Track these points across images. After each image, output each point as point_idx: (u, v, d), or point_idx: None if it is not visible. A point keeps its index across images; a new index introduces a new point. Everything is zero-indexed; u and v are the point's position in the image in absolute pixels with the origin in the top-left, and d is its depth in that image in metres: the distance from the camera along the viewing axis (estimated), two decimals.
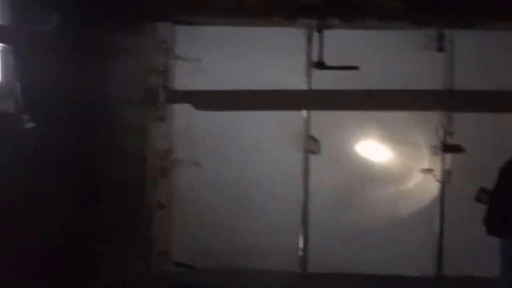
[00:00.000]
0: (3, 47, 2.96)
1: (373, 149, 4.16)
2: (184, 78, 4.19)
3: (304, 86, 4.16)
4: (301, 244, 4.19)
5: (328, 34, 4.09)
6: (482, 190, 3.14)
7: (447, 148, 4.10)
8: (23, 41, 3.00)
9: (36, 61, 3.11)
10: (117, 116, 3.97)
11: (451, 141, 4.10)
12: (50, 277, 3.05)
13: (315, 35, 4.10)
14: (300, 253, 4.19)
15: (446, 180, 4.11)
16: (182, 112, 4.20)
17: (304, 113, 4.18)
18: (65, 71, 3.48)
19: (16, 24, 2.96)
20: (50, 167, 3.11)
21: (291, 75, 4.15)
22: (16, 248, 2.74)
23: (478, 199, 3.14)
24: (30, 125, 2.91)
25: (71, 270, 3.27)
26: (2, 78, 3.00)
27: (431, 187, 4.12)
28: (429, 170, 4.11)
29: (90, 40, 3.77)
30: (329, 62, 4.10)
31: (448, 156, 4.11)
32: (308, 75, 4.15)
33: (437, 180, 4.11)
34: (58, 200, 3.20)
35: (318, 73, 4.12)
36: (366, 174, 4.17)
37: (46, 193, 3.03)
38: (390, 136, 4.14)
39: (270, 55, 4.15)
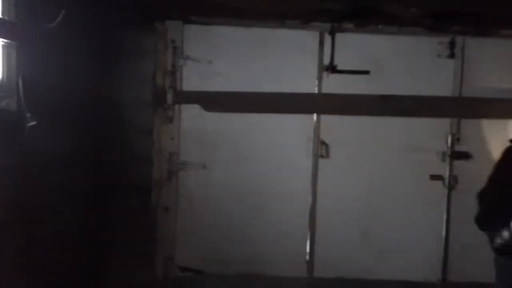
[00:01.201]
0: (6, 43, 2.86)
1: (383, 153, 4.15)
2: (194, 79, 4.11)
3: (315, 90, 4.13)
4: (308, 249, 4.15)
5: (341, 37, 4.07)
6: None
7: (455, 154, 4.12)
8: (27, 37, 2.90)
9: (40, 59, 3.01)
10: (124, 116, 3.90)
11: (459, 147, 4.13)
12: (55, 278, 2.97)
13: (328, 38, 4.08)
14: (307, 258, 4.15)
15: (453, 186, 4.13)
16: (190, 113, 4.12)
17: (314, 117, 4.14)
18: (71, 69, 3.39)
19: (19, 19, 2.87)
20: (54, 167, 3.02)
21: (302, 79, 4.11)
22: (20, 248, 2.66)
23: None
24: (32, 123, 2.82)
25: (76, 272, 3.19)
26: (3, 75, 2.90)
27: (439, 193, 4.14)
28: (437, 176, 4.13)
29: (96, 38, 3.69)
30: (340, 66, 4.10)
31: (456, 162, 4.14)
32: (320, 78, 4.11)
33: (445, 186, 4.13)
34: (62, 201, 3.11)
35: (330, 77, 4.10)
36: (375, 179, 4.16)
37: (48, 193, 2.95)
38: (400, 141, 4.14)
39: (282, 58, 4.10)
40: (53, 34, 3.03)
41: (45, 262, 2.83)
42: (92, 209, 3.32)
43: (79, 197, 3.20)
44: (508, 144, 2.94)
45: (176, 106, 4.12)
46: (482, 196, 2.93)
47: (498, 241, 2.78)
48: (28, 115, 2.80)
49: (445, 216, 4.15)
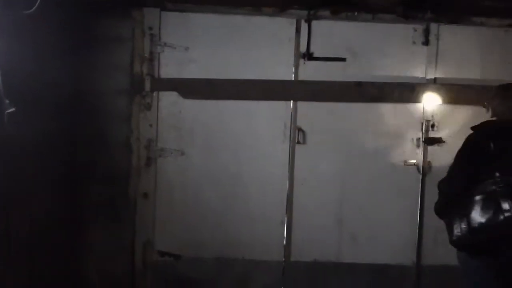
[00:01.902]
0: None
1: (358, 140, 4.21)
2: (171, 66, 4.13)
3: (292, 77, 4.16)
4: (285, 233, 4.22)
5: (317, 25, 4.11)
6: None
7: (429, 140, 4.20)
8: (3, 25, 2.90)
9: (17, 46, 3.01)
10: (101, 103, 3.90)
11: (433, 133, 4.21)
12: (33, 268, 3.00)
13: (304, 25, 4.11)
14: (284, 242, 4.23)
15: (427, 171, 4.21)
16: (168, 100, 4.15)
17: (291, 103, 4.19)
18: (47, 56, 3.38)
19: None
20: (30, 154, 3.03)
21: (279, 66, 4.14)
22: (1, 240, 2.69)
23: None
24: (11, 109, 2.83)
25: (54, 261, 3.22)
26: None
27: (413, 179, 4.22)
28: (411, 162, 4.20)
29: (73, 25, 3.67)
30: (317, 53, 4.13)
31: (429, 148, 4.21)
32: (296, 65, 4.15)
33: (419, 172, 4.21)
34: (40, 189, 3.13)
35: (306, 64, 4.14)
36: (350, 165, 4.23)
37: (26, 182, 2.97)
38: (375, 128, 4.20)
39: (259, 45, 4.13)
40: (29, 21, 3.02)
41: (21, 250, 2.86)
42: (69, 196, 3.34)
43: (56, 185, 3.21)
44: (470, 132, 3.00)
45: (154, 94, 4.15)
46: (441, 185, 2.97)
47: (456, 233, 2.82)
48: (7, 101, 2.81)
49: (419, 201, 4.23)
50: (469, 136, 2.99)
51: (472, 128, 3.01)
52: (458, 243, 2.86)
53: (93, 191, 3.62)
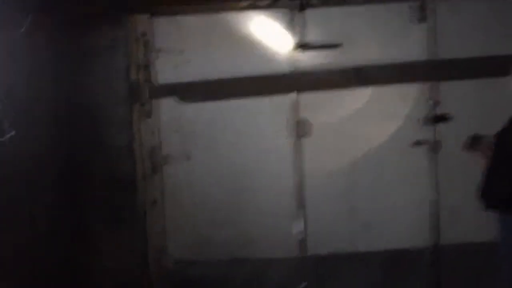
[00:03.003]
0: None
1: (363, 126, 4.14)
2: (168, 71, 4.10)
3: (290, 69, 4.11)
4: (297, 228, 4.16)
5: (311, 13, 4.05)
6: (475, 137, 3.13)
7: (435, 118, 4.10)
8: None
9: (12, 65, 3.02)
10: (101, 114, 3.89)
11: (438, 111, 4.11)
12: (43, 277, 2.98)
13: (298, 16, 4.06)
14: (298, 237, 4.16)
15: (437, 150, 4.12)
16: (168, 106, 4.12)
17: (291, 96, 4.13)
18: (44, 72, 3.39)
19: None
20: (38, 171, 3.03)
21: (276, 59, 4.09)
22: (6, 248, 2.68)
23: (470, 146, 3.11)
24: (11, 133, 2.82)
25: (64, 271, 3.21)
26: None
27: (423, 159, 4.12)
28: (420, 142, 4.11)
29: (64, 37, 3.68)
30: (313, 41, 4.07)
31: (437, 126, 4.12)
32: (293, 57, 4.09)
33: (429, 151, 4.11)
34: (49, 204, 3.12)
35: (303, 54, 4.08)
36: (358, 152, 4.15)
37: (34, 195, 2.96)
38: (379, 111, 4.12)
39: (253, 40, 4.08)
40: (21, 39, 3.03)
41: (31, 261, 2.84)
42: (73, 210, 3.33)
43: (66, 198, 3.22)
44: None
45: (154, 100, 4.12)
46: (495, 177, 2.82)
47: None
48: (6, 124, 2.81)
49: (433, 181, 4.13)
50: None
51: None
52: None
53: (100, 202, 3.61)
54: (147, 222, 4.13)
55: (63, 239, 3.15)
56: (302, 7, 4.05)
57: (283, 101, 4.13)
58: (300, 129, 4.13)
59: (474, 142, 3.13)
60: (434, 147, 4.11)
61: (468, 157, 3.78)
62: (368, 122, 4.12)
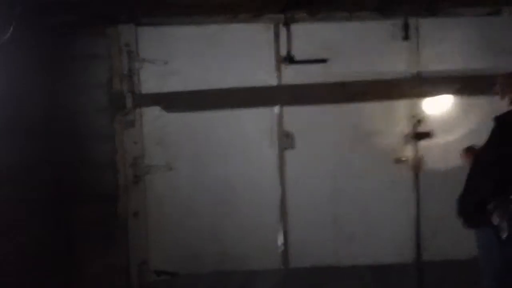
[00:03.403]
0: None
1: (347, 140, 4.16)
2: (152, 81, 4.08)
3: (275, 82, 4.12)
4: (281, 240, 4.15)
5: (296, 28, 4.07)
6: (468, 149, 3.18)
7: (418, 135, 4.15)
8: None
9: None
10: (83, 124, 3.86)
11: (421, 128, 4.15)
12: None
13: (282, 29, 4.07)
14: (281, 249, 4.15)
15: (419, 166, 4.16)
16: (151, 116, 4.09)
17: (276, 109, 4.14)
18: (26, 81, 3.34)
19: None
20: (16, 180, 2.98)
21: (260, 72, 4.10)
22: None
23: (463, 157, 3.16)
24: None
25: (46, 285, 3.15)
26: None
27: (405, 175, 4.16)
28: (402, 159, 4.15)
29: (47, 47, 3.64)
30: (297, 56, 4.09)
31: (419, 143, 4.16)
32: (278, 70, 4.10)
33: (411, 168, 4.15)
34: (28, 214, 3.07)
35: (288, 68, 4.09)
36: (341, 166, 4.17)
37: (13, 208, 2.90)
38: (363, 127, 4.15)
39: (238, 53, 4.09)
40: (3, 48, 2.98)
41: (12, 275, 2.79)
42: (53, 220, 3.28)
43: (39, 210, 3.16)
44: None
45: (137, 110, 4.09)
46: (471, 184, 2.84)
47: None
48: None
49: (414, 197, 4.17)
50: (498, 123, 2.86)
51: (497, 118, 2.89)
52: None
53: (81, 213, 3.55)
54: (128, 234, 4.09)
55: (44, 252, 3.10)
56: (287, 22, 4.07)
57: (267, 114, 4.14)
58: (284, 141, 4.14)
59: (467, 153, 3.20)
60: (416, 163, 4.15)
61: (450, 174, 3.89)
62: (351, 137, 4.15)
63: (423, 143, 4.13)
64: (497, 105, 3.03)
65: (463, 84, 4.05)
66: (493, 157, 2.79)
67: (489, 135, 2.90)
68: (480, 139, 3.01)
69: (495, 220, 2.67)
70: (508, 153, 2.72)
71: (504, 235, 2.64)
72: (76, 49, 3.67)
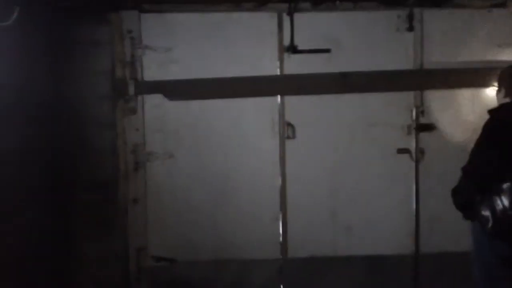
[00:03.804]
0: None
1: (348, 131, 4.15)
2: (154, 68, 4.07)
3: (277, 72, 4.10)
4: (280, 230, 4.16)
5: (299, 17, 4.04)
6: None
7: (420, 127, 4.14)
8: None
9: None
10: (85, 110, 3.85)
11: (423, 120, 4.14)
12: (24, 278, 2.94)
13: (286, 19, 4.05)
14: (280, 239, 4.17)
15: (420, 159, 4.15)
16: (153, 103, 4.09)
17: (278, 98, 4.13)
18: (27, 66, 3.33)
19: None
20: (17, 166, 2.98)
21: (263, 61, 4.08)
22: None
23: None
24: None
25: (45, 271, 3.17)
26: None
27: (406, 167, 4.16)
28: (404, 150, 4.14)
29: (49, 32, 3.62)
30: (301, 46, 4.07)
31: (421, 135, 4.15)
32: (281, 60, 4.09)
33: (412, 160, 4.15)
34: (28, 200, 3.08)
35: (290, 58, 4.07)
36: (342, 157, 4.17)
37: (14, 193, 2.91)
38: (365, 118, 4.14)
39: (241, 42, 4.07)
40: (7, 32, 2.97)
41: (6, 262, 2.80)
42: (54, 206, 3.28)
43: (45, 195, 3.16)
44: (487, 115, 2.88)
45: (139, 97, 4.09)
46: (465, 175, 2.84)
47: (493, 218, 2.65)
48: None
49: (414, 189, 4.17)
50: (490, 120, 2.84)
51: (491, 111, 2.88)
52: (496, 229, 2.70)
53: (81, 199, 3.56)
54: (128, 220, 4.11)
55: (43, 236, 3.11)
56: (291, 11, 4.04)
57: (268, 103, 4.13)
58: (285, 131, 4.14)
59: None
60: (417, 155, 4.14)
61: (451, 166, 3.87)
62: (353, 127, 4.14)
63: (425, 135, 4.11)
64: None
65: (466, 76, 4.03)
66: (481, 155, 2.78)
67: (482, 129, 2.88)
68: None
69: (481, 211, 2.69)
70: (495, 151, 2.71)
71: (489, 225, 2.66)
72: (79, 35, 3.65)
